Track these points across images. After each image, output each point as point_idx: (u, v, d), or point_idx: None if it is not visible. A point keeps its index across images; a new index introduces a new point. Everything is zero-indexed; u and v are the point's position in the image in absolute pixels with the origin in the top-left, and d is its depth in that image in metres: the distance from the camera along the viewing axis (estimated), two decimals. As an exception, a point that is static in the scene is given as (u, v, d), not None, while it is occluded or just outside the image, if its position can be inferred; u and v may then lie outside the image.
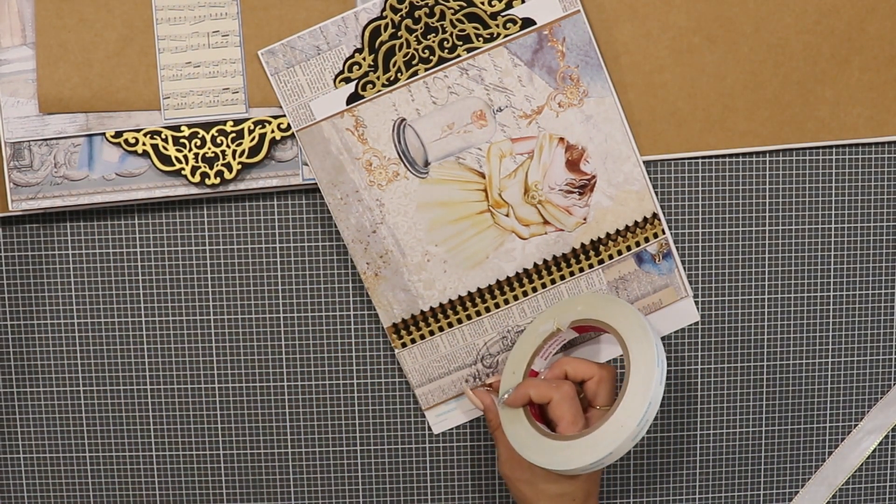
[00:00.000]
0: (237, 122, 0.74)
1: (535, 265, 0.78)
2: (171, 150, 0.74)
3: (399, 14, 0.74)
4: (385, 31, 0.74)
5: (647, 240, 0.78)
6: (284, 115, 0.74)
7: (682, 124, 0.77)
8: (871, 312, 0.81)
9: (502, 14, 0.74)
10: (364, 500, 0.81)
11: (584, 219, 0.77)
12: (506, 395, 0.73)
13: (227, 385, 0.79)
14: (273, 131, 0.75)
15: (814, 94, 0.77)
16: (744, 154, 0.79)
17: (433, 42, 0.74)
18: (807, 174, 0.79)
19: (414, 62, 0.74)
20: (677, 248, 0.79)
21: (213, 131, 0.74)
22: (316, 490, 0.81)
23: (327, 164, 0.75)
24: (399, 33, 0.74)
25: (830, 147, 0.79)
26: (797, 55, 0.77)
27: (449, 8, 0.74)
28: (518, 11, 0.74)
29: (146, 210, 0.77)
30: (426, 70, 0.74)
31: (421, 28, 0.74)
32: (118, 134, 0.74)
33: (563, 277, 0.78)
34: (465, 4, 0.74)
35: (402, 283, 0.77)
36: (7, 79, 0.73)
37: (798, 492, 0.83)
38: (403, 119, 0.75)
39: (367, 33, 0.74)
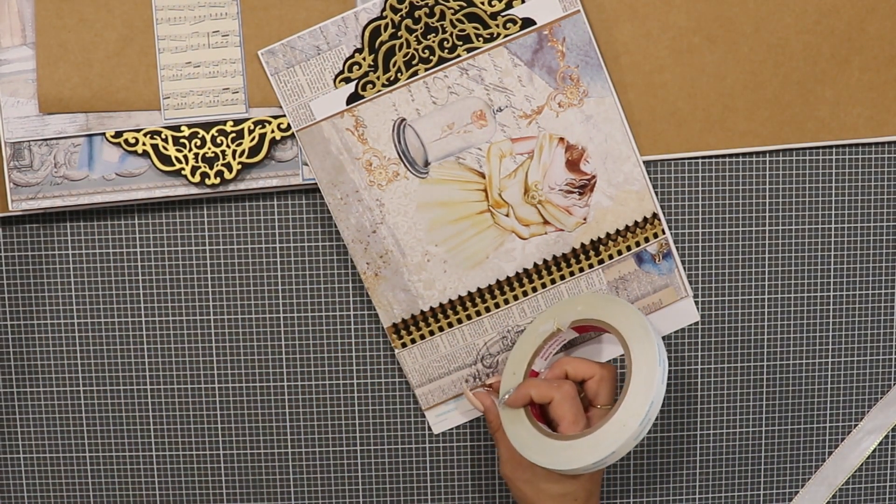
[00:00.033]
0: (237, 122, 0.74)
1: (535, 265, 0.77)
2: (171, 150, 0.74)
3: (399, 14, 0.73)
4: (385, 31, 0.74)
5: (647, 240, 0.78)
6: (284, 115, 0.74)
7: (682, 124, 0.77)
8: (871, 312, 0.81)
9: (502, 14, 0.74)
10: (364, 500, 0.81)
11: (584, 219, 0.77)
12: (506, 396, 0.73)
13: (227, 385, 0.79)
14: (273, 131, 0.75)
15: (814, 94, 0.77)
16: (744, 154, 0.79)
17: (433, 42, 0.74)
18: (807, 174, 0.79)
19: (414, 62, 0.74)
20: (677, 248, 0.79)
21: (213, 131, 0.74)
22: (316, 490, 0.81)
23: (327, 164, 0.75)
24: (399, 33, 0.74)
25: (830, 147, 0.79)
26: (797, 55, 0.77)
27: (449, 8, 0.74)
28: (518, 11, 0.74)
29: (146, 210, 0.77)
30: (426, 70, 0.74)
31: (421, 28, 0.74)
32: (118, 134, 0.74)
33: (563, 277, 0.78)
34: (465, 4, 0.74)
35: (402, 283, 0.77)
36: (7, 79, 0.73)
37: (798, 492, 0.83)
38: (403, 119, 0.75)
39: (367, 33, 0.74)
